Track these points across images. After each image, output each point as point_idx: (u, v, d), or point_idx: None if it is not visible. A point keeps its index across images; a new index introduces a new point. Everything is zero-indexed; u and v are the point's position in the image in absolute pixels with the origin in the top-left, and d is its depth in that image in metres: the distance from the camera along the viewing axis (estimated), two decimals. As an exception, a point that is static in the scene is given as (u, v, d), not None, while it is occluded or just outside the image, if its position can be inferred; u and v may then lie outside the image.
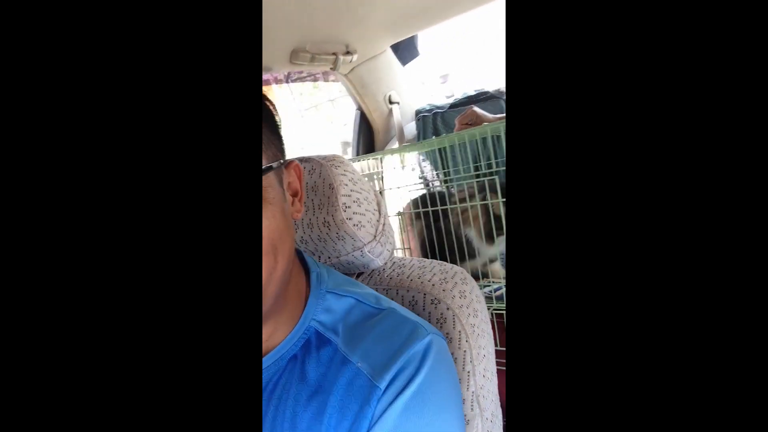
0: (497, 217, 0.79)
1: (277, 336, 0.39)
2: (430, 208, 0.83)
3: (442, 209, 0.81)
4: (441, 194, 0.87)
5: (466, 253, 0.81)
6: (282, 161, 0.38)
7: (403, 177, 1.16)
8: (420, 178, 1.22)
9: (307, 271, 0.44)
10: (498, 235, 0.81)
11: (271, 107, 0.38)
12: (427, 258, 0.56)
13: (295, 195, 0.41)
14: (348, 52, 0.97)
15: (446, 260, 0.80)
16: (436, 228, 0.84)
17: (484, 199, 0.76)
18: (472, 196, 0.81)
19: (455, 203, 0.83)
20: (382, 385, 0.35)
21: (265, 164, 0.35)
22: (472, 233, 0.82)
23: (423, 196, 0.88)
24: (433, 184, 1.23)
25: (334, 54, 0.94)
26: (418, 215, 0.88)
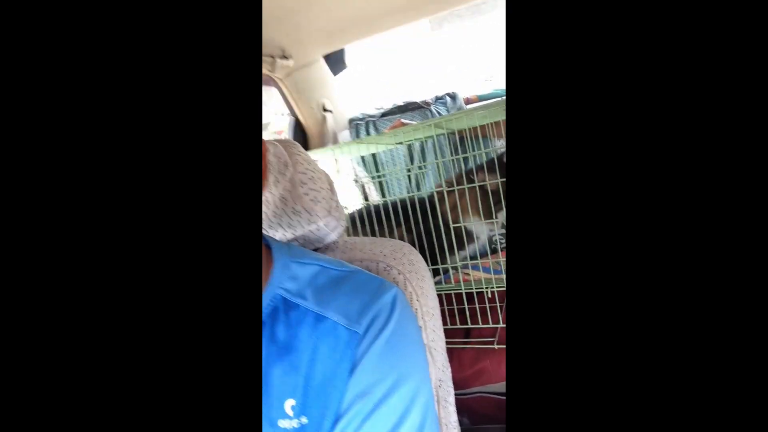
0: (495, 193, 0.82)
1: None
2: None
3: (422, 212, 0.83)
4: (419, 199, 0.90)
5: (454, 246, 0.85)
6: None
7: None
8: (354, 180, 1.28)
9: (267, 246, 0.46)
10: (498, 210, 0.85)
11: None
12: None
13: None
14: (284, 56, 1.00)
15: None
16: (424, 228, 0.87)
17: (479, 180, 0.80)
18: (459, 182, 0.84)
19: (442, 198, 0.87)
20: (361, 330, 0.39)
21: None
22: (471, 219, 0.85)
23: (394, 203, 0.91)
24: (367, 186, 1.29)
25: (271, 56, 0.97)
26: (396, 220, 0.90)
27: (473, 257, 0.86)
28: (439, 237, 0.83)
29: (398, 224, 0.89)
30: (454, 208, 0.86)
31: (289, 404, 0.38)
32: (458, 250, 0.89)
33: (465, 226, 0.85)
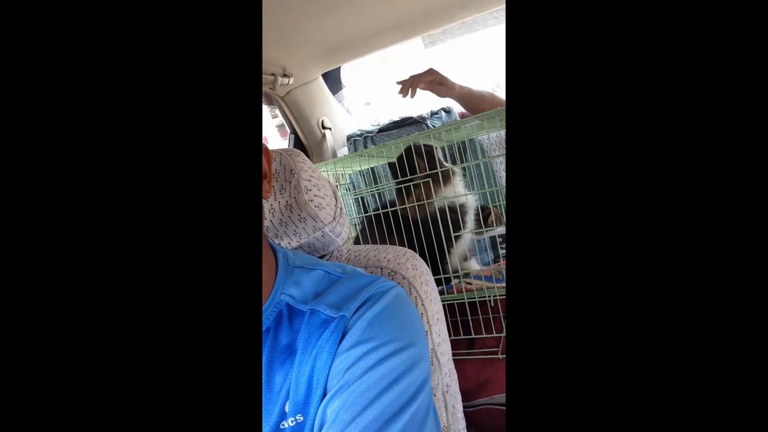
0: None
1: None
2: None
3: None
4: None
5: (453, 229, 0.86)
6: None
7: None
8: (353, 194, 1.29)
9: (274, 253, 0.46)
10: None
11: None
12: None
13: (264, 177, 0.44)
14: (285, 75, 1.03)
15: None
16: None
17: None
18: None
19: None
20: (348, 313, 0.39)
21: None
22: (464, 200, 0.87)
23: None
24: (365, 199, 1.31)
25: (273, 75, 1.00)
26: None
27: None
28: (443, 214, 0.84)
29: (391, 232, 0.90)
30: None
31: (287, 404, 0.38)
32: (463, 224, 0.90)
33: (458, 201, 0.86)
